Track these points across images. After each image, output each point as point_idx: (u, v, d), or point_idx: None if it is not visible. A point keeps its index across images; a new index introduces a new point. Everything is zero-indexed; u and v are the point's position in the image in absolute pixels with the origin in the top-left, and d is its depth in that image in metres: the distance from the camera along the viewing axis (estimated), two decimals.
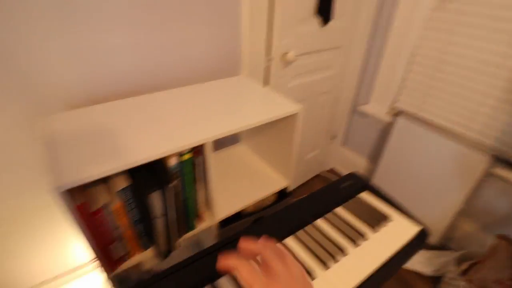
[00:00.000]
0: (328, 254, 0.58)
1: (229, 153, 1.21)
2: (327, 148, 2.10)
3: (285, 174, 1.07)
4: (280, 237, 0.61)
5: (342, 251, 0.58)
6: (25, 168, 0.84)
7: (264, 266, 0.35)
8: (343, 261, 0.57)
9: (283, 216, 0.66)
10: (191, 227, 0.81)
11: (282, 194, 1.09)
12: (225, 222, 0.93)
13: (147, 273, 0.82)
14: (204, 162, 0.74)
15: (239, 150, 1.23)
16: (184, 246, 0.85)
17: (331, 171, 2.25)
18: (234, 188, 1.01)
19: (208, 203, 0.84)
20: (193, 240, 1.00)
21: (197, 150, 0.71)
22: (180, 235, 0.78)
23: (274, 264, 0.34)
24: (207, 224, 0.85)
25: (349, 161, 2.14)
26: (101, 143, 0.64)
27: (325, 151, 2.10)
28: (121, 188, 0.61)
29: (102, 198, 0.61)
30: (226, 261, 0.36)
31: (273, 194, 1.06)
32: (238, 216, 0.98)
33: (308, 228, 0.64)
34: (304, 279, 0.35)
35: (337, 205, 0.70)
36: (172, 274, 0.51)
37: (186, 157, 0.68)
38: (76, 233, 0.58)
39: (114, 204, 0.62)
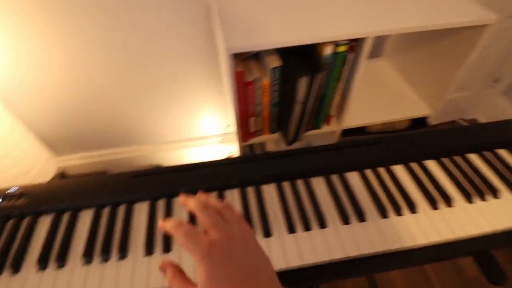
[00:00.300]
0: (476, 189, 0.51)
1: (369, 66, 1.10)
2: (481, 93, 1.69)
3: (429, 101, 0.93)
4: (416, 158, 0.56)
5: (494, 192, 0.50)
6: (191, 36, 0.94)
7: (201, 224, 0.31)
8: (492, 202, 0.50)
9: (424, 138, 0.59)
10: (317, 126, 0.83)
11: (417, 122, 0.97)
12: (348, 133, 0.92)
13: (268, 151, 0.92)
14: (355, 61, 0.68)
15: (380, 65, 1.10)
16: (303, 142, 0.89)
17: (472, 121, 1.87)
18: (368, 101, 0.95)
19: (340, 107, 0.82)
20: (306, 141, 1.05)
21: (353, 46, 0.65)
22: (306, 129, 0.81)
23: (211, 224, 0.30)
24: (332, 128, 0.85)
25: (505, 116, 1.70)
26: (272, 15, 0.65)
27: (476, 96, 1.70)
28: (274, 66, 0.64)
29: (255, 72, 0.66)
30: (164, 226, 0.32)
31: (407, 120, 0.96)
32: (362, 131, 0.94)
33: (457, 158, 0.56)
34: (248, 243, 0.30)
35: (502, 146, 0.58)
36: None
37: (341, 49, 0.64)
38: (229, 100, 0.66)
39: (263, 81, 0.66)
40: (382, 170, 0.55)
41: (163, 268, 0.32)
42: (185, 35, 0.89)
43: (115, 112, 1.14)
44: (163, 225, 0.32)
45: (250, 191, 0.52)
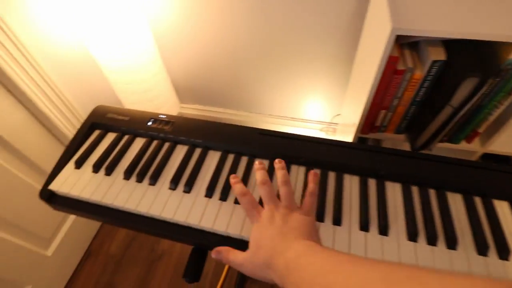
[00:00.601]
0: None
1: None
2: None
3: None
4: None
5: None
6: (336, 14, 0.91)
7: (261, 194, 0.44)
8: None
9: None
10: (455, 141, 0.71)
11: None
12: (487, 159, 0.77)
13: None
14: None
15: None
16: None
17: None
18: None
19: (494, 126, 0.68)
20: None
21: None
22: (440, 140, 0.70)
23: (268, 200, 0.42)
24: (472, 147, 0.72)
25: None
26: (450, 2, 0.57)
27: None
28: (435, 59, 0.56)
29: (409, 62, 0.59)
30: (261, 172, 0.45)
31: None
32: (506, 160, 0.77)
33: None
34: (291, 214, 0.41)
35: None
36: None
37: None
38: (367, 86, 0.61)
39: (416, 73, 0.59)
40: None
41: (217, 256, 0.41)
42: (330, 11, 0.86)
43: (238, 76, 1.21)
44: (233, 184, 0.45)
45: (371, 183, 0.48)
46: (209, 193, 0.48)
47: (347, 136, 0.84)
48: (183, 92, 1.36)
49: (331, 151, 0.51)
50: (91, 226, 1.32)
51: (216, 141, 0.54)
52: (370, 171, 0.49)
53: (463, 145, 0.71)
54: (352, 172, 0.50)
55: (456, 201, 0.46)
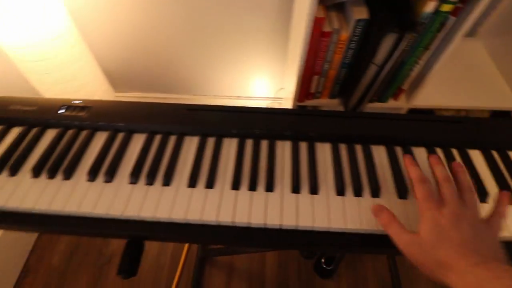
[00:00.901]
0: None
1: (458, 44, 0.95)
2: None
3: None
4: (498, 146, 0.48)
5: None
6: None
7: (440, 193, 0.36)
8: None
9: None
10: (383, 99, 0.75)
11: (498, 116, 0.84)
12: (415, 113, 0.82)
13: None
14: (454, 29, 0.58)
15: (472, 46, 0.95)
16: None
17: None
18: (448, 82, 0.83)
19: (416, 82, 0.72)
20: None
21: (459, 8, 0.54)
22: (370, 100, 0.73)
23: (450, 199, 0.35)
24: (399, 104, 0.76)
25: None
26: None
27: None
28: (359, 18, 0.56)
29: (335, 23, 0.59)
30: (412, 166, 0.39)
31: (487, 111, 0.83)
32: (430, 113, 0.84)
33: None
34: (480, 222, 0.34)
35: None
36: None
37: (445, 8, 0.54)
38: (297, 52, 0.60)
39: (342, 34, 0.59)
40: (455, 152, 0.47)
41: (376, 212, 0.38)
42: None
43: (174, 57, 1.14)
44: (410, 167, 0.40)
45: (303, 146, 0.48)
46: (134, 179, 0.44)
47: (288, 107, 0.84)
48: (117, 80, 1.25)
49: (262, 120, 0.50)
50: (25, 239, 1.18)
51: (140, 123, 0.50)
52: (300, 134, 0.49)
53: (391, 103, 0.75)
54: (284, 137, 0.49)
55: (380, 153, 0.48)
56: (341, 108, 0.74)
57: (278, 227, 0.40)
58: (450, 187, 0.36)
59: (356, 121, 0.50)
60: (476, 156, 0.48)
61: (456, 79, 0.85)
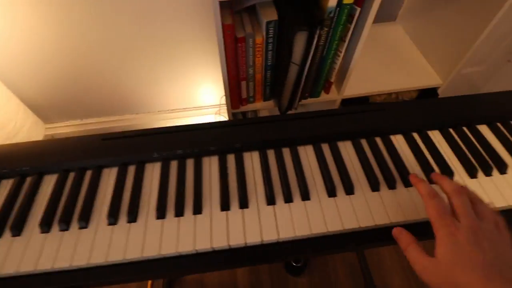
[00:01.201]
0: (483, 164, 0.45)
1: (378, 30, 1.00)
2: (497, 70, 1.57)
3: (441, 72, 0.84)
4: (416, 128, 0.50)
5: (501, 167, 0.44)
6: None
7: (452, 208, 0.33)
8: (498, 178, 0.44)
9: (425, 107, 0.53)
10: (316, 94, 0.76)
11: (426, 95, 0.89)
12: (349, 104, 0.85)
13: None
14: (361, 18, 0.60)
15: (392, 30, 1.00)
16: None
17: None
18: (374, 68, 0.87)
19: (342, 73, 0.74)
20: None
21: None
22: (302, 97, 0.74)
23: (464, 212, 0.32)
24: (331, 97, 0.78)
25: None
26: None
27: (491, 72, 1.58)
28: (269, 20, 0.56)
29: (248, 28, 0.58)
30: (419, 182, 0.36)
31: (415, 91, 0.88)
32: (365, 102, 0.87)
33: (465, 129, 0.50)
34: (500, 235, 0.31)
35: None
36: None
37: (347, 0, 0.55)
38: (219, 61, 0.59)
39: (257, 37, 0.58)
40: (378, 140, 0.49)
41: (396, 235, 0.35)
42: None
43: (108, 79, 1.08)
44: (417, 184, 0.36)
45: (230, 159, 0.47)
46: (46, 228, 0.39)
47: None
48: (47, 111, 1.15)
49: (183, 138, 0.48)
50: None
51: (49, 162, 0.45)
52: (226, 147, 0.47)
53: (324, 96, 0.77)
54: (209, 153, 0.47)
55: (307, 152, 0.48)
56: (276, 109, 0.74)
57: (210, 249, 0.38)
58: (462, 199, 0.33)
59: (280, 125, 0.49)
60: (399, 140, 0.49)
61: (383, 64, 0.89)
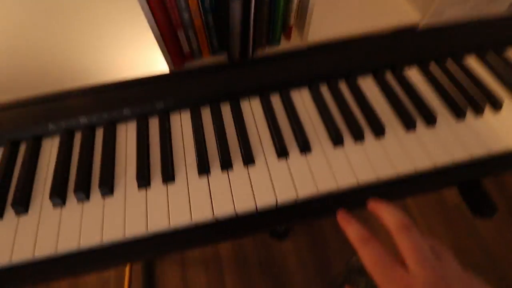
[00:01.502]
0: (470, 101, 0.37)
1: None
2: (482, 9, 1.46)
3: (418, 5, 0.73)
4: (389, 64, 0.41)
5: (494, 103, 0.36)
6: None
7: (398, 246, 0.25)
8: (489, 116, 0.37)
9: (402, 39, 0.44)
10: (275, 41, 0.65)
11: (405, 33, 0.79)
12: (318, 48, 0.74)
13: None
14: None
15: None
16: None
17: None
18: (341, 7, 0.75)
19: (302, 15, 0.63)
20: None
21: None
22: (257, 45, 0.62)
23: (416, 257, 0.23)
24: (293, 44, 0.67)
25: None
26: None
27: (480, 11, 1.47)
28: None
29: None
30: (347, 225, 0.27)
31: (391, 30, 0.77)
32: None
33: (447, 63, 0.41)
34: (470, 280, 0.23)
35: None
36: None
37: None
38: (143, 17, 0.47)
39: None
40: (343, 85, 0.40)
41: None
42: None
43: (32, 57, 0.92)
44: (345, 227, 0.27)
45: (153, 122, 0.37)
46: None
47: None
48: None
49: (87, 104, 0.37)
50: None
51: None
52: (145, 110, 0.37)
53: (285, 44, 0.66)
54: (125, 119, 0.37)
55: (226, 112, 0.39)
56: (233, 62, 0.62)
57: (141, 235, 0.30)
58: (411, 238, 0.24)
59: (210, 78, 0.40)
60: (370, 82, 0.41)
61: (351, 3, 0.77)
